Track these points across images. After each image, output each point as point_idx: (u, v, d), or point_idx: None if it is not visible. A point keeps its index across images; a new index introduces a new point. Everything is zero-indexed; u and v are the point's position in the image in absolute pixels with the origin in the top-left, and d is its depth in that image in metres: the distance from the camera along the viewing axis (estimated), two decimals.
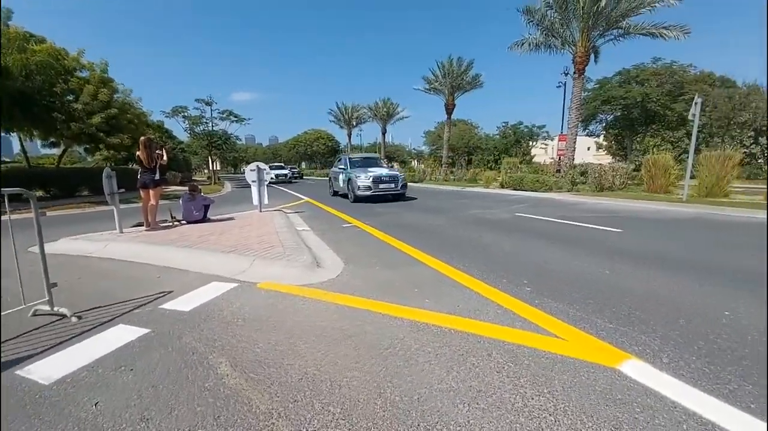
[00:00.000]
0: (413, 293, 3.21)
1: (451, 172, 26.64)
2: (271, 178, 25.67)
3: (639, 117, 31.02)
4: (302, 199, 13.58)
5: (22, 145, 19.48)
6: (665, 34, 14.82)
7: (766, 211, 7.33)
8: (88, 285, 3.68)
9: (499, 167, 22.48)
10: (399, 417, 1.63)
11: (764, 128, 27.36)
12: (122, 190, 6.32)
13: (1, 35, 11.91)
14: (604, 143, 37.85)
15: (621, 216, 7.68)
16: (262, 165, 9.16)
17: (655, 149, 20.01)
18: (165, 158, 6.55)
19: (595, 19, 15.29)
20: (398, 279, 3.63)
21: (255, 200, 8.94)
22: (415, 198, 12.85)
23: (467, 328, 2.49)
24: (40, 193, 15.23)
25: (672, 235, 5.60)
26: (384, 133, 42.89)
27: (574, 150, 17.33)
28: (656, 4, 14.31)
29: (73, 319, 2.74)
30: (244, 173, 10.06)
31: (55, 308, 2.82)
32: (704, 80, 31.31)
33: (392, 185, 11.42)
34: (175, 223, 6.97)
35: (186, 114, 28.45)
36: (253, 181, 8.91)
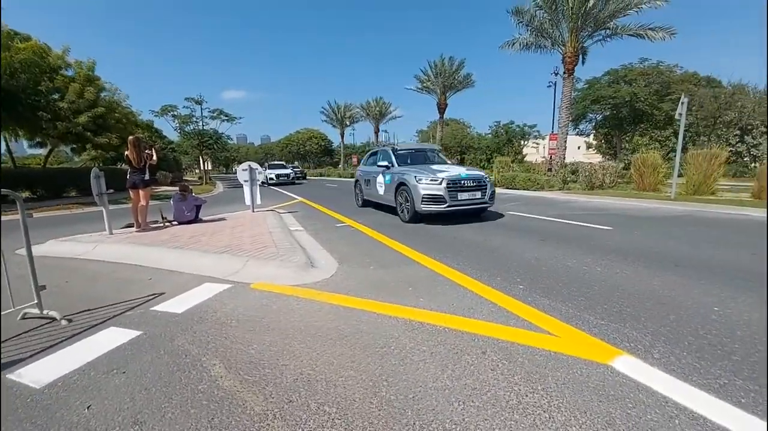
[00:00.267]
0: (408, 293, 3.22)
1: None
2: (270, 179, 22.07)
3: (628, 116, 31.51)
4: (295, 199, 13.50)
5: (7, 145, 19.07)
6: (652, 35, 15.08)
7: (766, 210, 7.45)
8: (77, 288, 3.61)
9: (491, 166, 22.63)
10: (394, 415, 1.64)
11: (749, 127, 27.96)
12: (111, 190, 6.23)
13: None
14: (594, 142, 38.36)
15: (611, 214, 7.79)
16: (254, 165, 9.08)
17: (643, 148, 20.32)
18: (154, 157, 6.46)
19: (583, 19, 15.49)
20: (392, 278, 3.64)
21: (247, 200, 8.86)
22: None
23: (462, 326, 2.51)
24: (26, 194, 14.92)
25: (661, 232, 5.69)
26: (377, 132, 42.91)
27: (565, 149, 17.53)
28: (643, 6, 14.55)
29: (63, 322, 2.69)
30: (236, 172, 9.96)
31: (45, 312, 2.76)
32: (690, 80, 31.93)
33: (478, 195, 6.84)
34: (166, 224, 6.88)
35: (176, 113, 28.10)
36: (245, 181, 8.84)
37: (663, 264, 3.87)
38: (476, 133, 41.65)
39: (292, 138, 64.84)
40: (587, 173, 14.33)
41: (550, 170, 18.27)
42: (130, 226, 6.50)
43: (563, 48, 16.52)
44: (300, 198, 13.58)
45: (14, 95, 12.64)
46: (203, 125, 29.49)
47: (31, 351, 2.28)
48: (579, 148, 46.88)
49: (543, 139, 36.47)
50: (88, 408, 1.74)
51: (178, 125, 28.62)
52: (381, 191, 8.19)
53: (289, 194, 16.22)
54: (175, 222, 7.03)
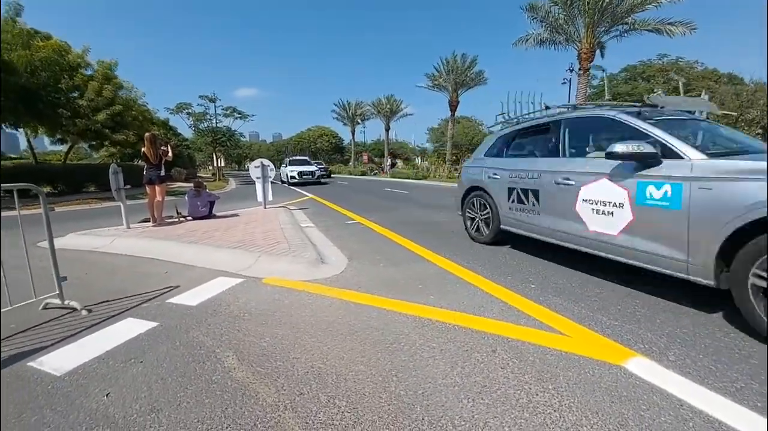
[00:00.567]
0: (417, 290, 3.22)
1: (455, 169, 26.56)
2: (291, 177, 19.77)
3: None
4: (306, 196, 13.61)
5: (29, 141, 19.68)
6: (671, 30, 14.67)
7: (765, 209, 7.23)
8: (96, 280, 3.72)
9: None
10: (404, 410, 1.65)
11: None
12: (128, 186, 6.38)
13: (0, 31, 11.96)
14: None
15: None
16: (266, 162, 9.18)
17: None
18: (170, 154, 6.59)
19: (600, 15, 15.15)
20: (402, 276, 3.65)
21: (259, 197, 8.97)
22: (419, 195, 12.84)
23: (472, 324, 2.50)
24: (47, 189, 15.39)
25: None
26: (387, 130, 42.83)
27: None
28: (662, 0, 14.15)
29: (84, 312, 2.78)
30: (248, 169, 10.08)
31: (66, 302, 2.86)
32: (710, 77, 30.98)
33: None
34: (181, 219, 7.02)
35: (190, 111, 28.61)
36: (257, 178, 8.94)
37: None
38: (488, 130, 41.31)
39: (303, 135, 65.30)
40: None
41: None
42: (146, 221, 6.65)
43: (578, 44, 16.20)
44: (311, 195, 13.68)
45: (35, 93, 13.02)
46: (217, 123, 29.97)
47: (52, 340, 2.37)
48: None
49: None
50: (106, 395, 1.79)
51: (192, 122, 29.15)
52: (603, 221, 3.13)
53: (299, 191, 16.35)
54: (190, 218, 7.16)
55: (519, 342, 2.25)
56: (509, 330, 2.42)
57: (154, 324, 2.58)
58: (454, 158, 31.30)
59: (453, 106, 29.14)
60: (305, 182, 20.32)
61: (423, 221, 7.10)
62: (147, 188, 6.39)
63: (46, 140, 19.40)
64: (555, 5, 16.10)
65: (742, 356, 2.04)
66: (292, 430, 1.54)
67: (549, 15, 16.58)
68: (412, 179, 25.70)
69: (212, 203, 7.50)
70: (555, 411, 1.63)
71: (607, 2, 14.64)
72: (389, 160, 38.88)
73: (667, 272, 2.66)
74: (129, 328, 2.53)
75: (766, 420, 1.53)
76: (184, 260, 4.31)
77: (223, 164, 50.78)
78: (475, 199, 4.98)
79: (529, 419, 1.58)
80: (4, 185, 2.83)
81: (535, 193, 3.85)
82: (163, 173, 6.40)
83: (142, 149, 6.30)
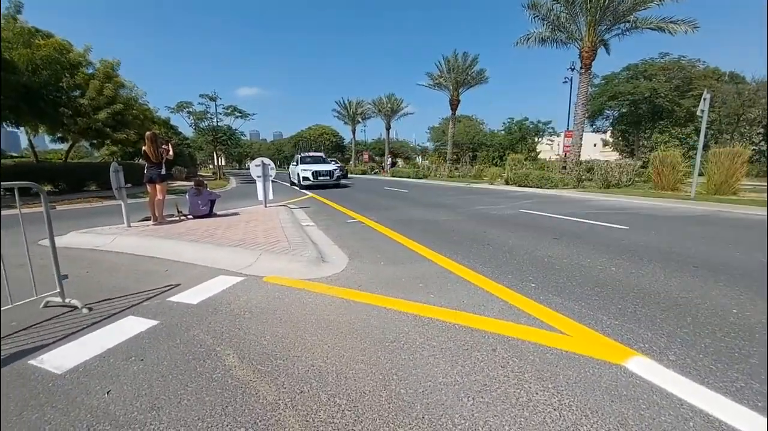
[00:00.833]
0: (418, 289, 3.22)
1: (456, 168, 26.55)
2: (304, 179, 16.87)
3: (646, 113, 30.68)
4: (306, 195, 13.61)
5: (29, 140, 19.68)
6: (673, 28, 14.61)
7: (766, 209, 7.24)
8: (97, 278, 3.73)
9: (504, 164, 22.36)
10: (404, 409, 1.65)
11: None
12: (129, 185, 6.38)
13: (0, 30, 11.94)
14: (611, 140, 37.49)
15: (628, 213, 7.63)
16: (266, 161, 9.18)
17: (662, 146, 19.75)
18: (171, 153, 6.59)
19: (602, 13, 15.10)
20: (403, 274, 3.65)
21: (260, 196, 8.97)
22: (419, 194, 12.84)
23: (472, 323, 2.50)
24: (48, 187, 15.41)
25: (679, 232, 5.55)
26: (388, 128, 42.80)
27: (581, 147, 17.19)
28: None
29: (84, 310, 2.78)
30: (248, 168, 10.07)
31: (67, 300, 2.86)
32: (712, 76, 30.87)
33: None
34: (182, 217, 7.03)
35: (191, 109, 28.62)
36: (258, 176, 8.94)
37: (680, 265, 3.78)
38: (489, 130, 41.22)
39: (303, 134, 65.30)
40: (603, 171, 14.05)
41: (564, 167, 17.94)
42: (147, 219, 6.65)
43: (580, 43, 16.16)
44: (311, 194, 13.69)
45: (36, 91, 13.01)
46: (217, 122, 29.95)
47: (53, 338, 2.37)
48: (595, 145, 45.93)
49: (558, 136, 35.84)
50: (107, 393, 1.80)
51: (193, 121, 29.15)
52: None
53: (300, 189, 16.35)
54: (191, 216, 7.17)
55: (519, 340, 2.25)
56: (509, 328, 2.42)
57: (154, 323, 2.58)
58: (455, 157, 31.29)
59: (454, 105, 29.10)
60: (322, 184, 16.69)
61: (423, 219, 7.10)
62: (148, 186, 6.39)
63: (47, 138, 19.40)
64: (557, 3, 16.06)
65: (743, 356, 2.04)
66: (293, 428, 1.54)
67: (550, 13, 16.53)
68: (413, 178, 25.69)
69: (213, 202, 7.51)
70: (555, 410, 1.63)
71: (608, 0, 14.59)
72: (390, 159, 38.89)
73: None
74: (130, 326, 2.53)
75: (766, 419, 1.53)
76: (185, 258, 4.32)
77: (223, 163, 50.81)
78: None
79: (529, 418, 1.58)
80: (5, 183, 2.83)
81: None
82: (163, 171, 6.40)
83: (143, 148, 6.30)
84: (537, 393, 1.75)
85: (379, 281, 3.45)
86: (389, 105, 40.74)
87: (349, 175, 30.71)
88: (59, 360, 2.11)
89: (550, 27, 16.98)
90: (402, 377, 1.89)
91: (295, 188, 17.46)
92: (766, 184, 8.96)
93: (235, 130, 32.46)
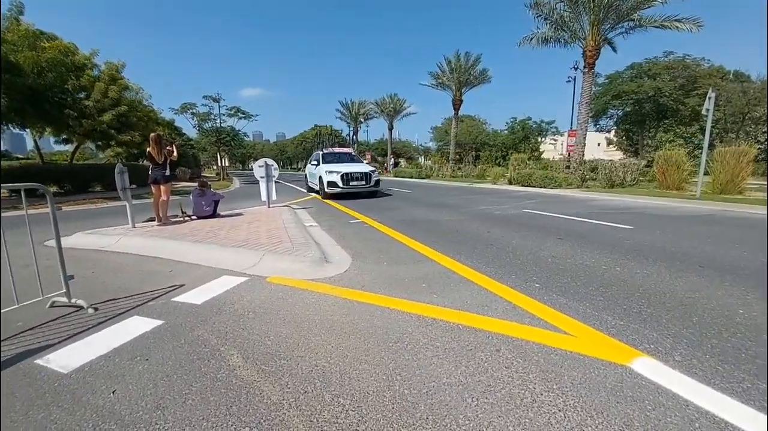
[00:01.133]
0: (421, 289, 3.22)
1: (459, 168, 26.51)
2: (329, 183, 11.39)
3: (651, 112, 30.50)
4: (309, 195, 13.63)
5: (35, 142, 19.86)
6: (678, 26, 14.51)
7: (766, 209, 7.18)
8: (102, 278, 3.75)
9: (507, 163, 22.30)
10: (408, 409, 1.65)
11: None
12: (133, 186, 6.42)
13: (1, 33, 12.03)
14: (615, 139, 37.30)
15: (632, 212, 7.58)
16: (270, 161, 9.21)
17: (667, 145, 19.62)
18: (175, 154, 6.63)
19: (605, 11, 15.02)
20: (406, 275, 3.64)
21: (263, 196, 9.00)
22: (422, 194, 12.82)
23: (475, 323, 2.50)
24: (54, 189, 15.54)
25: (685, 232, 5.51)
26: (391, 129, 42.80)
27: (584, 146, 17.11)
28: None
29: (90, 310, 2.80)
30: (252, 169, 10.10)
31: (73, 300, 2.89)
32: (716, 74, 30.61)
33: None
34: (186, 218, 7.06)
35: (194, 111, 28.74)
36: (261, 177, 8.97)
37: (686, 265, 3.75)
38: (492, 129, 41.11)
39: (306, 135, 65.44)
40: (607, 171, 13.97)
41: (568, 167, 17.87)
42: (151, 220, 6.69)
43: (583, 42, 16.08)
44: (313, 195, 13.70)
45: (42, 94, 13.12)
46: (221, 123, 30.07)
47: (59, 338, 2.39)
48: (599, 145, 45.72)
49: (561, 135, 35.70)
50: (113, 392, 1.81)
51: (196, 122, 29.28)
52: None
53: (303, 190, 16.38)
54: (194, 217, 7.21)
55: (523, 341, 2.24)
56: (513, 329, 2.41)
57: (159, 322, 2.60)
58: (458, 156, 31.25)
59: (456, 104, 29.07)
60: (354, 192, 11.74)
61: (426, 220, 7.09)
62: (152, 187, 6.43)
63: (52, 140, 19.55)
64: (560, 2, 15.99)
65: (749, 356, 2.02)
66: (297, 428, 1.55)
67: (553, 12, 16.46)
68: (416, 178, 25.68)
69: (216, 203, 7.54)
70: (559, 410, 1.62)
71: None
72: (392, 159, 38.88)
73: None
74: (135, 326, 2.55)
75: (766, 417, 1.52)
76: (189, 259, 4.34)
77: (227, 164, 51.01)
78: None
79: (534, 419, 1.57)
80: (12, 185, 2.86)
81: None
82: (168, 172, 6.43)
83: (148, 149, 6.34)
84: (541, 394, 1.74)
85: (383, 282, 3.45)
86: (392, 105, 40.74)
87: None
88: (65, 359, 2.12)
89: (553, 26, 16.91)
90: (406, 377, 1.89)
91: (313, 193, 13.50)
92: (766, 183, 8.87)
93: (239, 131, 32.60)
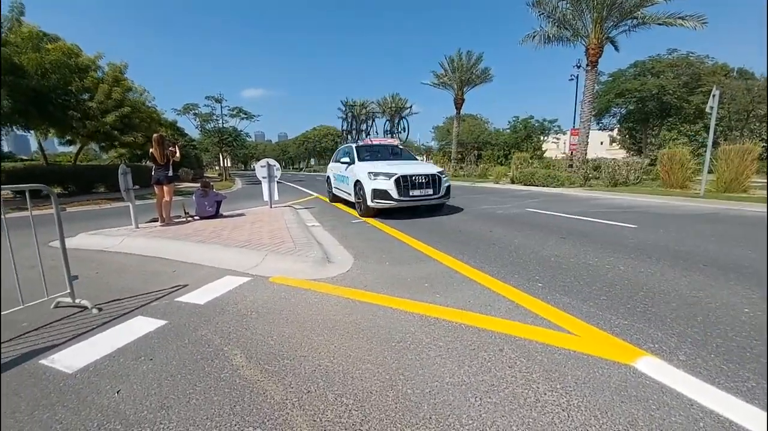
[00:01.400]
0: (424, 289, 3.22)
1: (461, 167, 26.47)
2: (379, 194, 6.95)
3: (654, 110, 30.32)
4: (311, 195, 13.66)
5: (39, 143, 19.98)
6: (682, 24, 14.44)
7: (766, 208, 7.12)
8: (106, 279, 3.77)
9: (509, 163, 22.24)
10: (411, 409, 1.65)
11: None
12: (137, 187, 6.45)
13: (1, 34, 12.10)
14: (618, 137, 37.12)
15: (635, 211, 7.54)
16: (272, 162, 9.22)
17: (671, 143, 19.51)
18: (177, 155, 6.65)
19: (608, 9, 14.96)
20: (408, 274, 3.64)
21: (265, 197, 9.02)
22: None
23: (478, 323, 2.49)
24: (58, 190, 15.63)
25: (688, 231, 5.48)
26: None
27: (587, 145, 17.05)
28: None
29: (94, 311, 2.82)
30: (254, 169, 10.13)
31: (77, 301, 2.90)
32: (720, 72, 30.40)
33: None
34: (189, 218, 7.09)
35: (197, 111, 28.84)
36: (263, 177, 8.99)
37: (690, 263, 3.73)
38: (494, 128, 41.00)
39: (308, 135, 65.57)
40: (610, 170, 13.91)
41: (571, 166, 17.80)
42: (154, 220, 6.72)
43: (586, 40, 16.02)
44: (315, 194, 13.73)
45: (45, 95, 13.20)
46: (223, 123, 30.15)
47: (63, 338, 2.41)
48: (602, 143, 45.52)
49: (564, 134, 35.57)
50: (117, 392, 1.82)
51: (199, 123, 29.37)
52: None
53: (305, 190, 16.42)
54: (197, 217, 7.23)
55: (526, 341, 2.24)
56: (516, 328, 2.41)
57: (163, 323, 2.61)
58: (460, 156, 31.20)
59: (458, 104, 29.03)
60: (416, 204, 7.32)
61: (428, 219, 7.08)
62: (155, 188, 6.46)
63: (56, 142, 19.67)
64: (562, 0, 15.95)
65: (754, 355, 2.00)
66: (300, 428, 1.55)
67: (556, 10, 16.41)
68: None
69: (219, 203, 7.56)
70: (563, 410, 1.62)
71: None
72: None
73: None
74: (139, 326, 2.56)
75: (766, 416, 1.51)
76: (192, 259, 4.36)
77: (229, 164, 51.13)
78: None
79: (537, 418, 1.57)
80: (17, 186, 2.88)
81: None
82: (170, 173, 6.46)
83: (151, 150, 6.37)
84: (545, 394, 1.73)
85: (385, 282, 3.45)
86: (394, 104, 40.74)
87: None
88: (70, 359, 2.14)
89: (556, 24, 16.86)
90: (409, 377, 1.89)
91: (354, 205, 8.25)
92: (766, 182, 8.80)
93: (241, 131, 32.69)
